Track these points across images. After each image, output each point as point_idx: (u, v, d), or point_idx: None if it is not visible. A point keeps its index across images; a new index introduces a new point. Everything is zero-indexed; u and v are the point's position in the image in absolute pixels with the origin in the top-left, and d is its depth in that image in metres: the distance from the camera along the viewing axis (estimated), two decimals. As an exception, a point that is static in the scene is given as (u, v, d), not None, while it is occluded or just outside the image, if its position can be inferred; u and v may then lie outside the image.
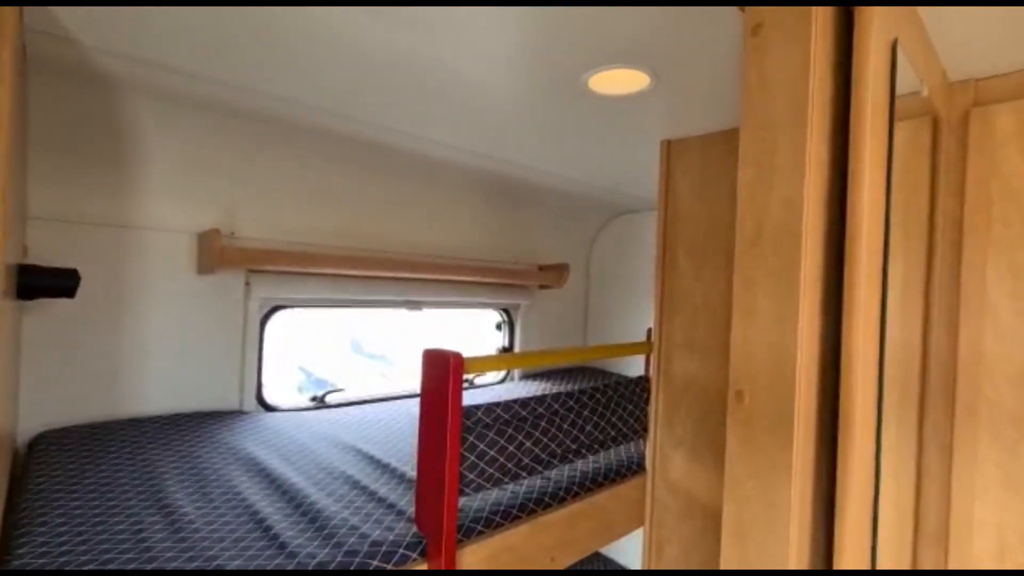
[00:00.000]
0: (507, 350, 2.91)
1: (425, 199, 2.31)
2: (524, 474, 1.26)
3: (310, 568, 0.96)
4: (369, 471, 1.44)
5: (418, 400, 2.33)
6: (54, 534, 1.03)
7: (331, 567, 0.97)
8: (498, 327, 2.92)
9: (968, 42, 0.99)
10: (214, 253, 1.69)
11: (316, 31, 1.06)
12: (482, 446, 1.16)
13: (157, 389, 1.74)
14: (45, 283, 1.25)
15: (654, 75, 1.19)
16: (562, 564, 1.38)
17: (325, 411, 2.06)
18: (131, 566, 0.95)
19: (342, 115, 1.55)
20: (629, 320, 3.02)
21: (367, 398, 2.30)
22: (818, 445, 0.70)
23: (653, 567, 1.63)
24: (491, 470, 1.18)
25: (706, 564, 1.51)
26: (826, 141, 0.69)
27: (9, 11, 0.87)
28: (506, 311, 2.89)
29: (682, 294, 1.60)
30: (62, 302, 1.57)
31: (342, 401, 2.22)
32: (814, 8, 0.66)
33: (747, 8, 0.70)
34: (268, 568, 0.95)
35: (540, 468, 1.30)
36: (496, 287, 2.70)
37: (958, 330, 1.08)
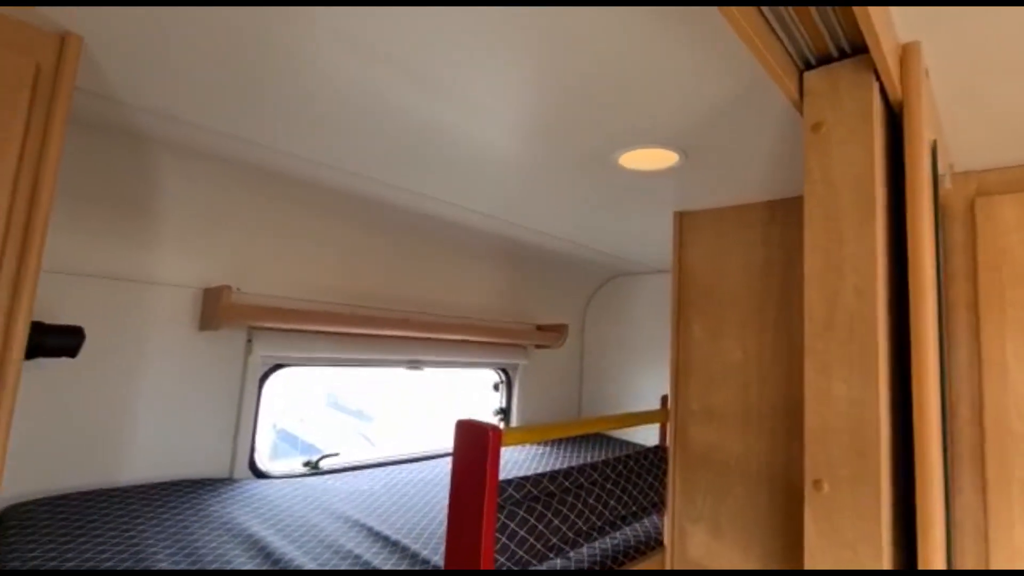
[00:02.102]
0: (504, 411, 2.84)
1: (430, 259, 2.31)
2: (551, 555, 1.19)
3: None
4: (381, 551, 1.34)
5: (414, 465, 2.23)
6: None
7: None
8: (495, 387, 2.86)
9: (973, 138, 1.08)
10: (221, 309, 1.63)
11: (347, 98, 1.08)
12: (512, 525, 1.10)
13: (145, 454, 1.61)
14: (49, 342, 1.17)
15: (683, 154, 1.25)
16: (586, 655, 1.29)
17: (320, 478, 1.94)
18: (130, 672, 0.83)
19: (361, 176, 1.56)
20: (625, 381, 3.01)
21: (361, 463, 2.18)
22: (894, 531, 0.68)
23: (673, 654, 1.54)
24: (521, 551, 1.11)
25: (732, 652, 1.43)
26: (885, 230, 0.72)
27: (67, 75, 0.86)
28: (504, 371, 2.84)
29: (697, 361, 1.61)
30: (50, 363, 1.47)
31: (336, 467, 2.10)
32: (873, 110, 0.71)
33: (806, 104, 0.75)
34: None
35: (567, 548, 1.23)
36: (495, 346, 2.67)
37: (982, 412, 1.11)
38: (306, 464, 2.05)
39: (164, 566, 1.17)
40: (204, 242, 1.71)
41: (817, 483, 0.67)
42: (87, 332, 1.51)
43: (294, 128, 1.25)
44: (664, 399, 1.78)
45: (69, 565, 1.13)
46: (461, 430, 1.07)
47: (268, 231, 1.83)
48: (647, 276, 3.01)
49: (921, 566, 0.64)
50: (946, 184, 1.02)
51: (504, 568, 1.08)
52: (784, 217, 1.50)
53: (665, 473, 1.61)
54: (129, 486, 1.54)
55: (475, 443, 1.03)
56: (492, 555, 1.01)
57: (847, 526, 0.64)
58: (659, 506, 1.58)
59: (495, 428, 1.04)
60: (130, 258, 1.58)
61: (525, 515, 1.13)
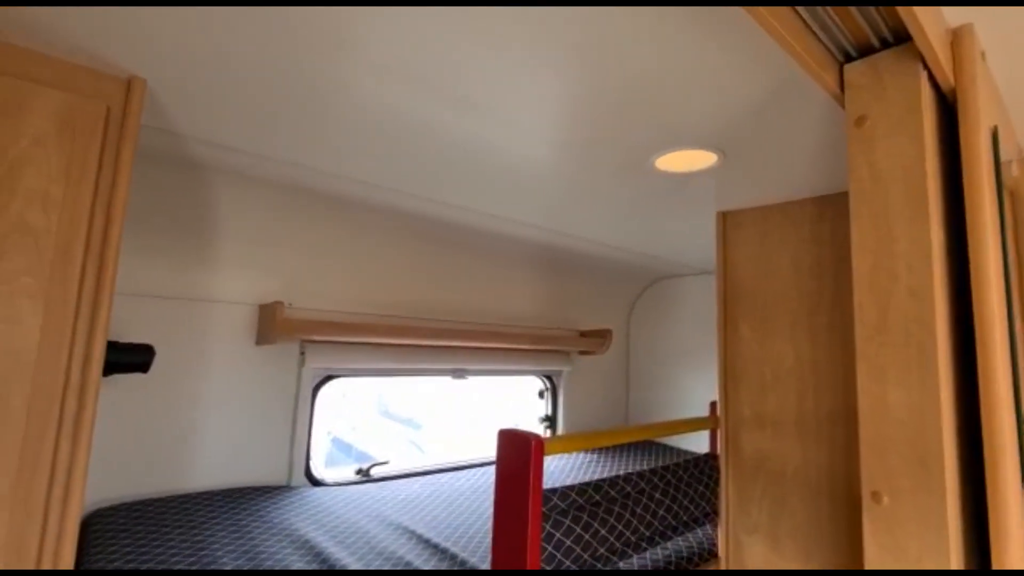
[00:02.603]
0: (550, 418, 2.83)
1: (473, 269, 2.35)
2: (599, 565, 1.18)
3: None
4: (430, 558, 1.37)
5: (462, 473, 2.26)
6: (118, 628, 0.98)
7: (406, 673, 0.90)
8: (540, 395, 2.86)
9: (1047, 121, 0.99)
10: (275, 324, 1.71)
11: (389, 121, 1.12)
12: (559, 535, 1.10)
13: (210, 462, 1.72)
14: (124, 359, 1.27)
15: (722, 153, 1.22)
16: (639, 669, 1.26)
17: (371, 485, 2.00)
18: (200, 669, 0.89)
19: (404, 192, 1.61)
20: (673, 387, 2.93)
21: (411, 471, 2.23)
22: (965, 545, 0.64)
23: (732, 672, 1.48)
24: (567, 562, 1.11)
25: (795, 671, 1.36)
26: (941, 226, 0.68)
27: (133, 115, 0.94)
28: (549, 378, 2.84)
29: (747, 366, 1.56)
30: (125, 378, 1.59)
31: (386, 475, 2.16)
32: (921, 99, 0.67)
33: (848, 98, 0.72)
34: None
35: (615, 558, 1.21)
36: (539, 354, 2.67)
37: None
38: (358, 472, 2.11)
39: (228, 568, 1.24)
40: (258, 261, 1.81)
41: (875, 495, 0.64)
42: (155, 349, 1.63)
43: (340, 152, 1.31)
44: (713, 405, 1.73)
45: (145, 566, 1.21)
46: (503, 439, 1.08)
47: (317, 249, 1.92)
48: (692, 278, 2.94)
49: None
50: (1012, 171, 0.95)
51: (551, 578, 1.07)
52: (835, 214, 1.43)
53: (717, 482, 1.56)
54: (196, 492, 1.64)
55: (517, 452, 1.04)
56: (538, 565, 1.01)
57: (911, 540, 0.60)
58: (711, 516, 1.53)
59: (537, 437, 1.04)
60: (192, 279, 1.69)
61: (571, 524, 1.12)
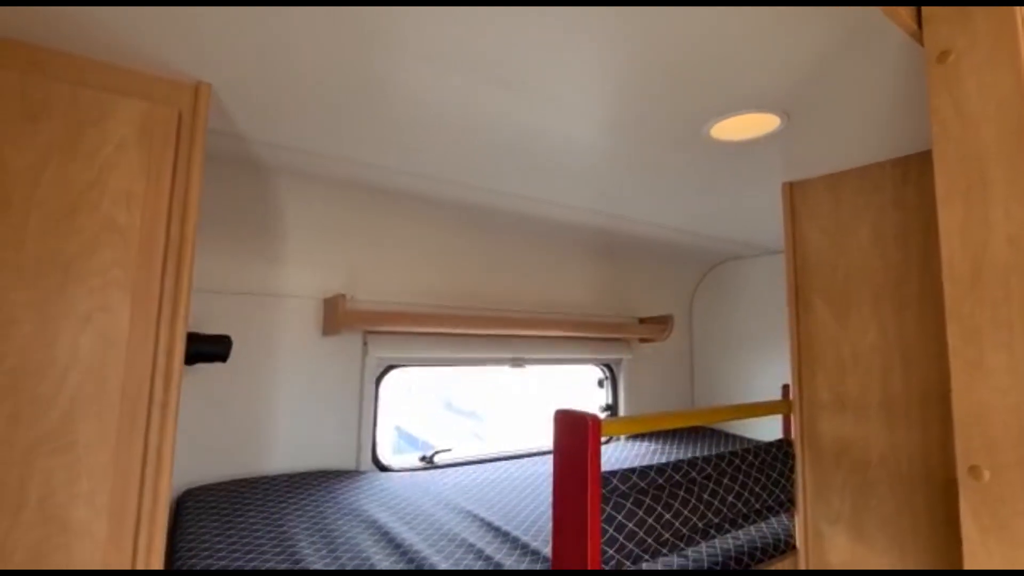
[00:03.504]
0: (610, 407, 2.78)
1: (529, 257, 2.34)
2: (665, 551, 1.14)
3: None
4: (493, 540, 1.38)
5: (524, 460, 2.27)
6: (208, 594, 1.06)
7: (470, 649, 0.91)
8: (600, 384, 2.81)
9: None
10: (338, 316, 1.79)
11: (443, 112, 1.13)
12: (620, 517, 1.07)
13: (285, 447, 1.82)
14: (205, 349, 1.37)
15: (785, 116, 1.13)
16: (711, 660, 1.21)
17: (435, 472, 2.05)
18: (278, 633, 0.94)
19: (458, 183, 1.63)
20: (741, 374, 2.79)
21: (474, 458, 2.27)
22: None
23: (815, 671, 1.39)
24: (630, 545, 1.08)
25: (888, 673, 1.25)
26: (1048, 167, 0.59)
27: (201, 118, 1.01)
28: (608, 367, 2.79)
29: (824, 346, 1.45)
30: (207, 369, 1.72)
31: (450, 461, 2.20)
32: (1017, 25, 0.59)
33: (927, 34, 0.64)
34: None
35: (681, 544, 1.17)
36: (598, 342, 2.63)
37: None
38: (422, 459, 2.17)
39: (303, 545, 1.31)
40: (322, 257, 1.90)
41: (974, 470, 0.57)
42: (234, 343, 1.75)
43: (398, 146, 1.35)
44: (785, 388, 1.63)
45: (230, 542, 1.31)
46: (560, 419, 1.06)
47: (376, 243, 1.99)
48: (758, 259, 2.78)
49: None
50: None
51: (613, 561, 1.05)
52: (920, 174, 1.29)
53: (792, 469, 1.47)
54: (273, 475, 1.75)
55: (574, 433, 1.02)
56: (599, 546, 0.99)
57: (1017, 520, 0.53)
58: (787, 505, 1.44)
59: (594, 417, 1.02)
60: (262, 275, 1.80)
61: (633, 507, 1.09)
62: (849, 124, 1.17)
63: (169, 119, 0.98)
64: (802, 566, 1.43)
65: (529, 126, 1.20)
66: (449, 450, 2.23)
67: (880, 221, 1.36)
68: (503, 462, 2.25)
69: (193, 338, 1.37)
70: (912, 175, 1.30)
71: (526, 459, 2.32)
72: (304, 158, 1.46)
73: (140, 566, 0.89)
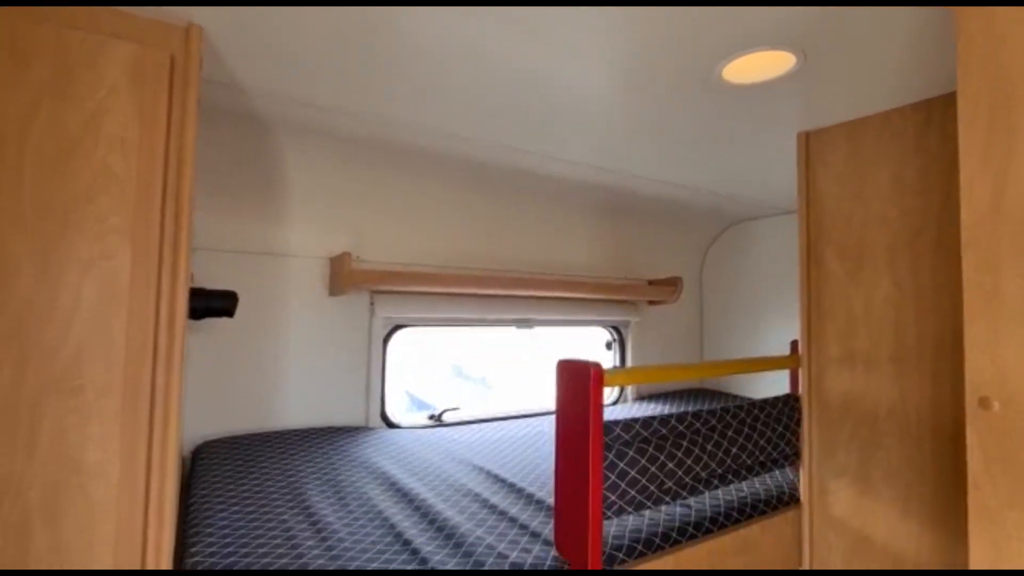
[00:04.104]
0: (617, 343, 2.78)
1: (537, 217, 2.31)
2: (667, 499, 1.15)
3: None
4: (498, 491, 1.40)
5: (530, 420, 2.29)
6: (220, 535, 1.10)
7: (473, 587, 0.93)
8: (608, 346, 2.81)
9: None
10: (344, 276, 1.79)
11: (447, 55, 1.09)
12: (622, 465, 1.07)
13: (295, 404, 1.86)
14: (211, 304, 1.38)
15: (802, 55, 1.08)
16: (712, 605, 1.23)
17: (443, 429, 2.08)
18: (287, 569, 0.97)
19: (464, 137, 1.59)
20: (751, 338, 2.76)
21: (481, 417, 2.30)
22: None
23: (815, 617, 1.41)
24: (632, 492, 1.08)
25: (889, 619, 1.27)
26: (1082, 84, 0.55)
27: (194, 61, 0.99)
28: (616, 329, 2.78)
29: (835, 301, 1.42)
30: (217, 326, 1.74)
31: (457, 420, 2.23)
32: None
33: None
34: (414, 583, 0.94)
35: (684, 493, 1.18)
36: (606, 303, 2.61)
37: None
38: (430, 417, 2.20)
39: (314, 494, 1.35)
40: (326, 216, 1.89)
41: (984, 401, 0.55)
42: (242, 303, 1.76)
43: (401, 96, 1.31)
44: (794, 344, 1.60)
45: (242, 490, 1.34)
46: (563, 368, 1.06)
47: (382, 203, 1.97)
48: (772, 220, 2.71)
49: None
50: None
51: (615, 507, 1.06)
52: (944, 117, 1.23)
53: (798, 423, 1.46)
54: (285, 430, 1.79)
55: (577, 381, 1.02)
56: (600, 492, 1.00)
57: (1028, 452, 0.52)
58: (791, 459, 1.44)
59: (596, 365, 1.01)
60: (267, 235, 1.80)
61: (635, 456, 1.10)
62: (870, 65, 1.11)
63: (161, 63, 0.95)
64: (805, 519, 1.43)
65: (536, 72, 1.16)
66: (457, 409, 2.26)
67: (900, 169, 1.31)
68: (510, 421, 2.27)
69: (199, 293, 1.38)
70: (935, 118, 1.24)
71: (533, 418, 2.34)
72: (304, 111, 1.43)
73: (153, 508, 0.91)
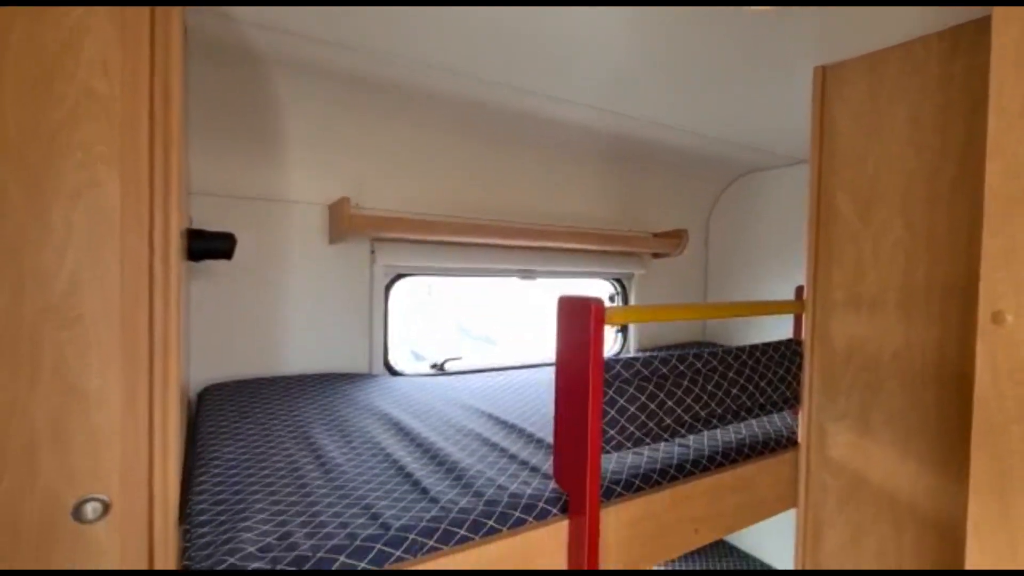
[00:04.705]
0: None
1: (541, 166, 2.26)
2: (666, 436, 1.16)
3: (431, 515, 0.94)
4: (499, 431, 1.42)
5: (533, 370, 2.31)
6: (226, 467, 1.12)
7: (473, 516, 0.95)
8: (611, 299, 2.80)
9: None
10: (343, 221, 1.76)
11: None
12: (622, 401, 1.08)
13: (297, 351, 1.87)
14: (209, 245, 1.36)
15: (822, -28, 1.00)
16: (707, 538, 1.26)
17: (445, 378, 2.10)
18: (291, 498, 1.00)
19: (464, 73, 1.53)
20: (757, 293, 2.74)
21: (485, 367, 2.32)
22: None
23: (809, 554, 1.45)
24: (632, 428, 1.09)
25: (880, 554, 1.30)
26: None
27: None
28: (619, 282, 2.76)
29: (843, 244, 1.38)
30: (218, 272, 1.74)
31: (461, 369, 2.25)
32: None
33: None
34: (417, 510, 0.95)
35: (683, 431, 1.18)
36: (609, 255, 2.58)
37: None
38: (433, 366, 2.22)
39: (319, 433, 1.37)
40: (326, 161, 1.85)
41: (997, 315, 0.53)
42: (241, 249, 1.74)
43: (397, 26, 1.25)
44: (799, 289, 1.58)
45: (247, 427, 1.37)
46: (563, 305, 1.04)
47: (382, 148, 1.92)
48: (783, 170, 2.64)
49: None
50: None
51: (613, 442, 1.07)
52: (972, 45, 1.16)
53: (799, 367, 1.45)
54: (289, 376, 1.81)
55: (578, 316, 1.01)
56: (599, 426, 1.01)
57: (1040, 365, 0.50)
58: (791, 403, 1.44)
59: (598, 300, 1.00)
60: (264, 180, 1.76)
61: (635, 393, 1.10)
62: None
63: (141, -20, 0.90)
64: (802, 460, 1.45)
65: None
66: (459, 358, 2.27)
67: (920, 104, 1.25)
68: (512, 371, 2.29)
69: (197, 234, 1.36)
70: (962, 46, 1.17)
71: (536, 369, 2.36)
72: (299, 45, 1.37)
73: (158, 436, 0.93)
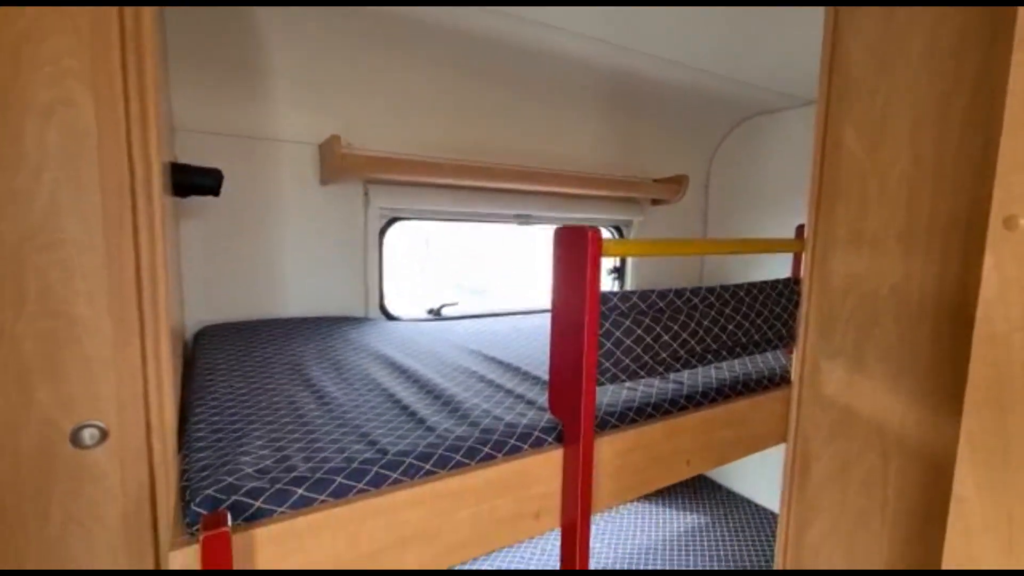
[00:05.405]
0: (618, 270, 2.77)
1: (536, 106, 2.18)
2: (661, 370, 1.16)
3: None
4: (495, 370, 1.43)
5: (529, 316, 2.31)
6: (223, 400, 1.13)
7: (469, 443, 0.96)
8: (609, 247, 2.77)
9: None
10: (334, 161, 1.71)
11: None
12: (618, 334, 1.07)
13: (291, 295, 1.86)
14: (195, 181, 1.32)
15: None
16: (698, 469, 1.29)
17: (443, 322, 2.10)
18: (289, 427, 1.00)
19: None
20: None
21: (480, 313, 2.32)
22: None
23: (796, 487, 1.49)
24: (627, 360, 1.09)
25: (866, 483, 1.33)
26: None
27: None
28: (618, 229, 2.73)
29: (848, 180, 1.35)
30: (208, 212, 1.70)
31: (458, 314, 2.25)
32: None
33: None
34: (413, 437, 0.96)
35: (678, 365, 1.19)
36: (608, 201, 2.54)
37: None
38: (430, 311, 2.22)
39: (316, 371, 1.37)
40: (315, 98, 1.78)
41: (1010, 220, 0.51)
42: (231, 189, 1.69)
43: None
44: (799, 228, 1.56)
45: (244, 364, 1.37)
46: (560, 234, 1.02)
47: (374, 85, 1.84)
48: (791, 112, 2.56)
49: None
50: None
51: (608, 374, 1.07)
52: (996, -39, 1.09)
53: (796, 305, 1.45)
54: (285, 318, 1.80)
55: (575, 245, 0.99)
56: (595, 357, 1.00)
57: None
58: (786, 341, 1.45)
59: (595, 229, 0.97)
60: (251, 117, 1.70)
61: (631, 326, 1.09)
62: None
63: None
64: (794, 397, 1.47)
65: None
66: (456, 304, 2.27)
67: (937, 30, 1.19)
68: (510, 316, 2.29)
69: (182, 169, 1.32)
70: (986, -37, 1.10)
71: (533, 315, 2.36)
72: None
73: (151, 367, 0.92)
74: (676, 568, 2.24)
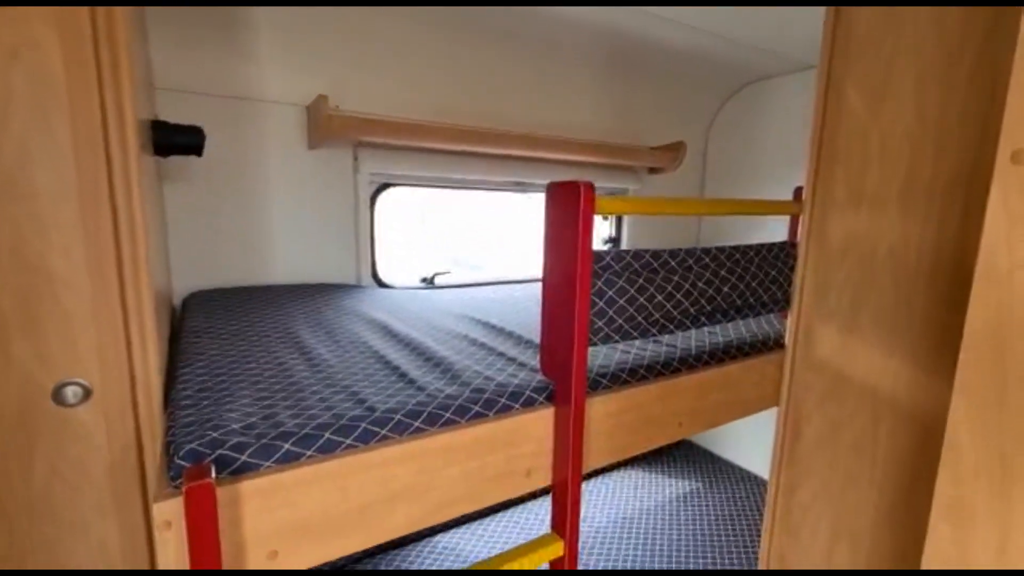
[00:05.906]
0: (614, 240, 2.75)
1: (533, 72, 2.12)
2: (654, 330, 1.15)
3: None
4: (488, 334, 1.42)
5: (524, 285, 2.29)
6: (211, 361, 1.11)
7: (459, 401, 0.95)
8: (604, 217, 2.75)
9: None
10: (322, 123, 1.66)
11: None
12: (611, 293, 1.06)
13: (281, 261, 1.83)
14: (175, 139, 1.28)
15: None
16: (689, 431, 1.30)
17: (436, 291, 2.08)
18: (277, 387, 0.99)
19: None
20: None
21: (473, 282, 2.30)
22: None
23: (787, 450, 1.50)
24: (620, 320, 1.08)
25: (856, 446, 1.34)
26: None
27: None
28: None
29: (849, 139, 1.32)
30: (193, 176, 1.65)
31: (451, 283, 2.23)
32: None
33: None
34: (402, 397, 0.95)
35: (671, 326, 1.18)
36: (604, 170, 2.50)
37: None
38: (423, 280, 2.20)
39: (305, 334, 1.35)
40: (301, 57, 1.72)
41: (1017, 155, 0.49)
42: (216, 149, 1.65)
43: None
44: (797, 191, 1.53)
45: (233, 328, 1.35)
46: (552, 190, 0.99)
47: (362, 45, 1.78)
48: (791, 77, 2.50)
49: None
50: None
51: (601, 334, 1.06)
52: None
53: (791, 269, 1.44)
54: (276, 285, 1.78)
55: (567, 201, 0.96)
56: (587, 315, 0.99)
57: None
58: (780, 304, 1.44)
59: (587, 184, 0.94)
60: (236, 76, 1.64)
61: (625, 285, 1.07)
62: None
63: None
64: (788, 361, 1.46)
65: None
66: (448, 272, 2.25)
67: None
68: (503, 285, 2.28)
69: (162, 126, 1.27)
70: (1001, -96, 1.05)
71: (527, 284, 2.34)
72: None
73: (134, 322, 0.90)
74: (668, 533, 2.28)
